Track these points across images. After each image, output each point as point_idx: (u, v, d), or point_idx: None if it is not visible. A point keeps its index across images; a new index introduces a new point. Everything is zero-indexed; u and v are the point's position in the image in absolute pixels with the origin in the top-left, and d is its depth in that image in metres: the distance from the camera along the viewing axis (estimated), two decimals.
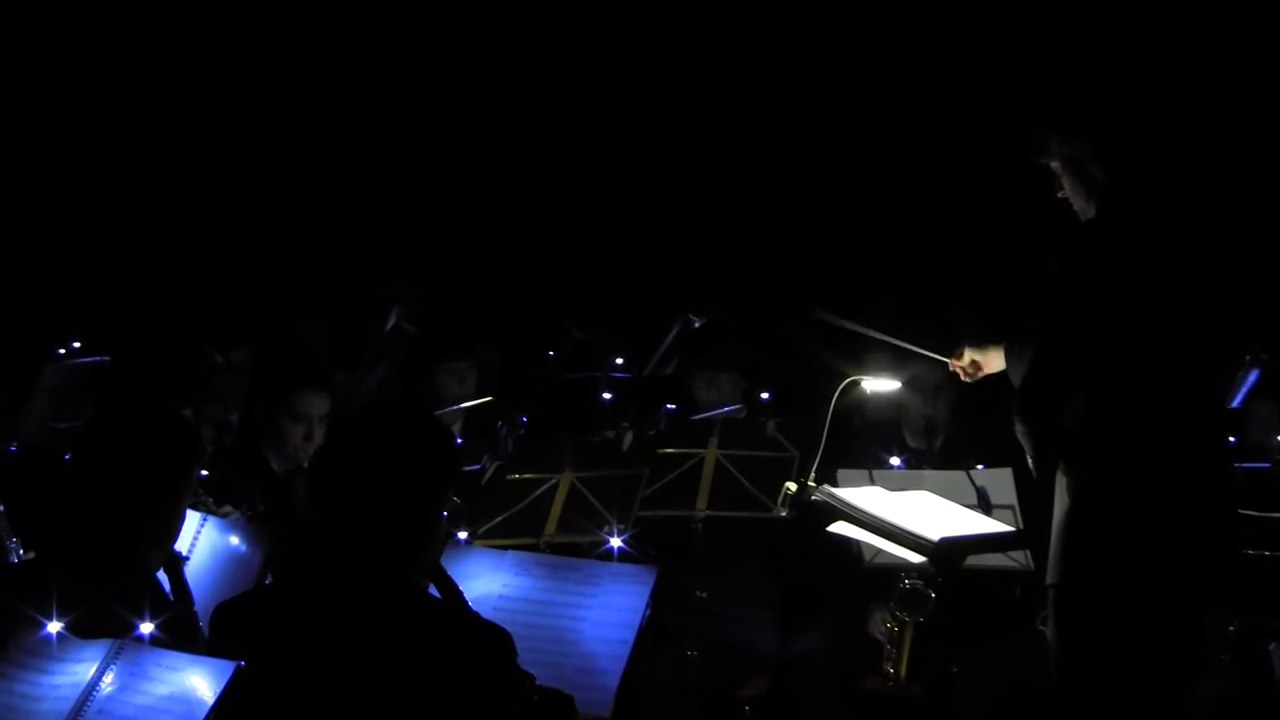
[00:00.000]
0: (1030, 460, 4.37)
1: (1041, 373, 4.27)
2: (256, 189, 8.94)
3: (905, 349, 5.10)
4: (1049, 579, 4.34)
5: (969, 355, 4.83)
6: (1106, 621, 4.23)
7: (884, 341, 5.17)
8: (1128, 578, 4.20)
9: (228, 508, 5.15)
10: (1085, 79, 4.56)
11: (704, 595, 5.95)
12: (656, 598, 4.60)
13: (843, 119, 8.62)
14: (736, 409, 6.81)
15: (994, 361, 4.76)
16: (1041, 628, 5.78)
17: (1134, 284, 4.19)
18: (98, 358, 5.58)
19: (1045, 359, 4.26)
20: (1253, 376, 6.41)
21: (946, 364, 4.94)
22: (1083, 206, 4.36)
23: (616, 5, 8.78)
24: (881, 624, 5.66)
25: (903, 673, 5.29)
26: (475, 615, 3.47)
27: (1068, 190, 4.38)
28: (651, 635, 5.74)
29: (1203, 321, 4.26)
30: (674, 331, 7.30)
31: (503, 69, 8.97)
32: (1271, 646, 5.62)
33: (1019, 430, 4.31)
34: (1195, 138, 4.56)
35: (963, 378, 4.88)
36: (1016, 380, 4.41)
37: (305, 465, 5.83)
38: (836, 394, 4.90)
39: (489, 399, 6.88)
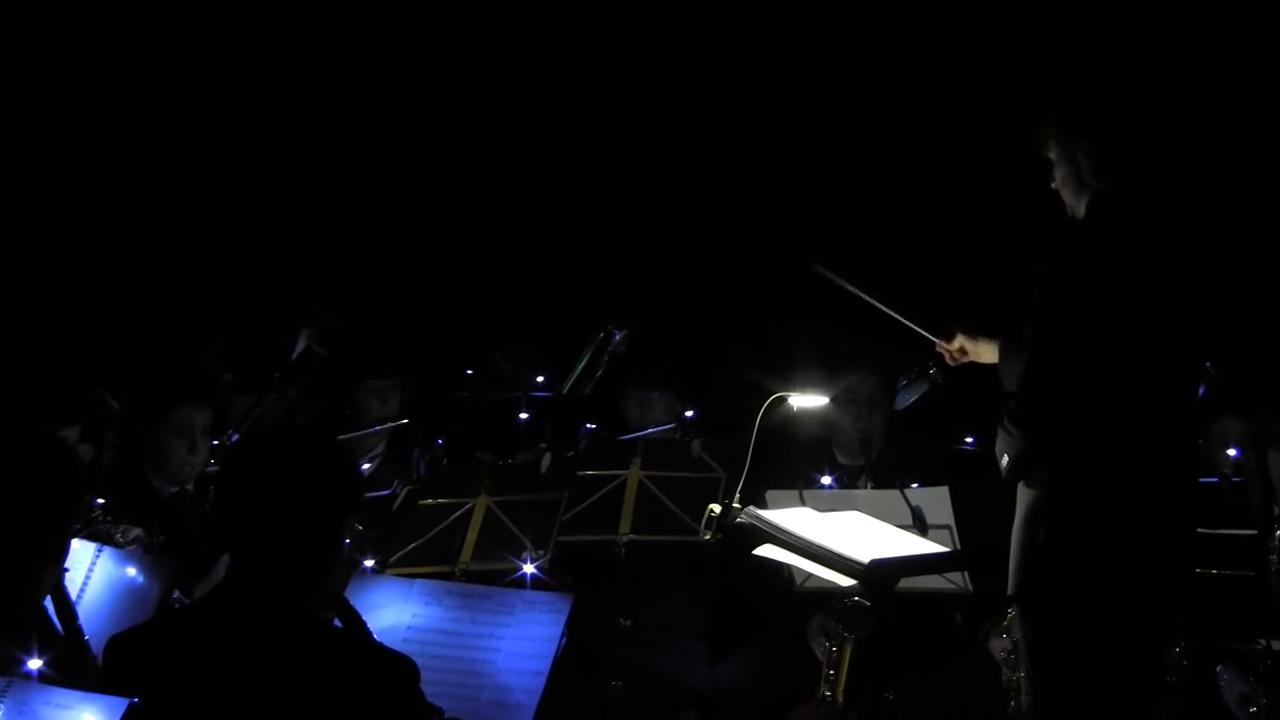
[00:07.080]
0: (1007, 465, 4.47)
1: (1039, 376, 4.41)
2: (158, 206, 8.93)
3: (900, 322, 5.20)
4: (1009, 589, 4.49)
5: (960, 340, 5.02)
6: (1068, 632, 4.40)
7: (872, 308, 5.24)
8: (1088, 587, 4.37)
9: (124, 526, 5.12)
10: (1092, 78, 4.69)
11: (628, 623, 5.99)
12: (578, 626, 4.65)
13: (774, 124, 8.68)
14: (669, 428, 6.86)
15: (983, 353, 4.95)
16: (984, 643, 5.92)
17: (1117, 290, 4.36)
18: None
19: (1040, 362, 4.40)
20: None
21: (935, 343, 5.10)
22: (1072, 202, 4.54)
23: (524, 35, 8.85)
24: (822, 638, 5.72)
25: (840, 695, 5.29)
26: (377, 645, 3.54)
27: (1059, 184, 4.55)
28: (573, 666, 5.83)
29: (1182, 330, 4.46)
30: (592, 347, 7.26)
31: (414, 88, 9.00)
32: (1220, 669, 5.74)
33: (1011, 434, 4.43)
34: (1190, 145, 4.70)
35: (947, 360, 5.08)
36: (1008, 382, 4.56)
37: (190, 486, 5.82)
38: (762, 412, 4.96)
39: (404, 421, 6.91)
